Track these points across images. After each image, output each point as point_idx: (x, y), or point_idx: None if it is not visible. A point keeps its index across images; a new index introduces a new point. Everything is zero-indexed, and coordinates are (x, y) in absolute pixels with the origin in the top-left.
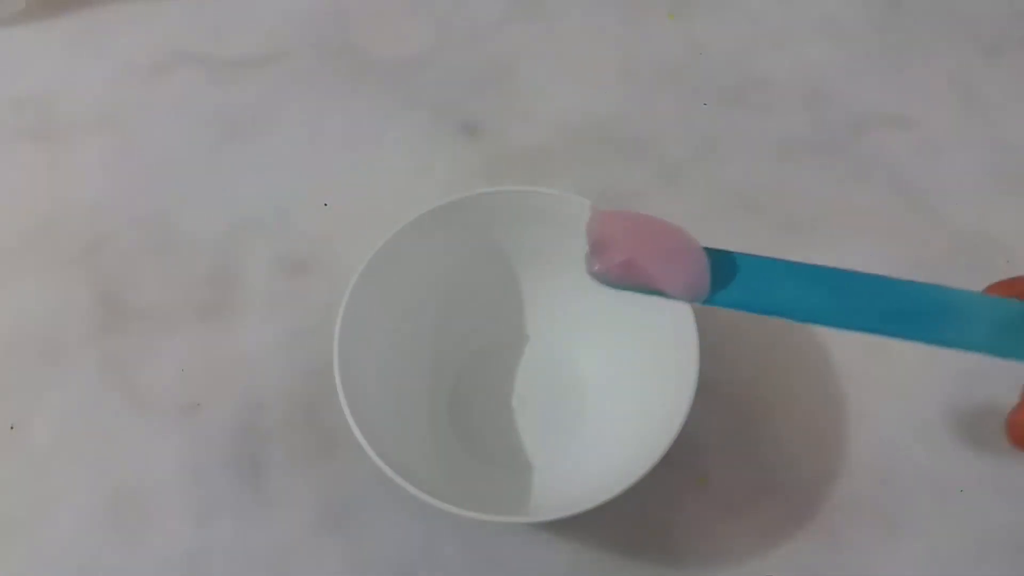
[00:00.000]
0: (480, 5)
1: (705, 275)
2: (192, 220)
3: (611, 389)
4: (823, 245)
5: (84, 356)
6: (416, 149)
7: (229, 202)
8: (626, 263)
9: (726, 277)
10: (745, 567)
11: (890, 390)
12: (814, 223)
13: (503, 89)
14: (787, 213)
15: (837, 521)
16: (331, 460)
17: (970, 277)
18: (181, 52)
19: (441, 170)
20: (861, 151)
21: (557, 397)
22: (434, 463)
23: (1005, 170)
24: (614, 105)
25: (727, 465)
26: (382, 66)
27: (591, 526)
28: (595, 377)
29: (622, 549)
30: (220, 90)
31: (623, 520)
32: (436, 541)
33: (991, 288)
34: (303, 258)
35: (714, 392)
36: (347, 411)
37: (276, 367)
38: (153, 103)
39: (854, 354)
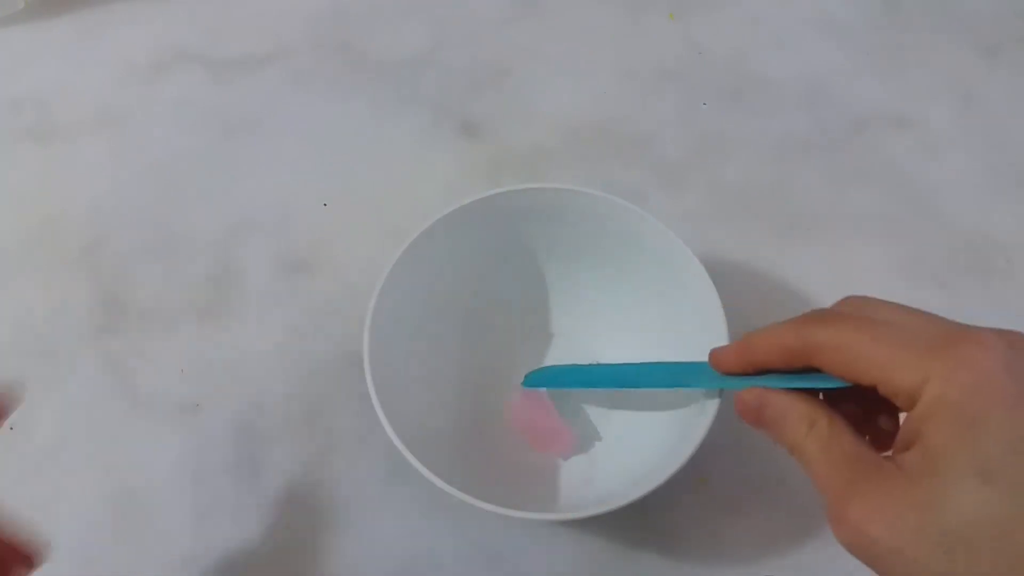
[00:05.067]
0: (480, 5)
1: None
2: (192, 220)
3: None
4: (823, 245)
5: (84, 356)
6: (416, 149)
7: (229, 202)
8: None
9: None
10: (745, 567)
11: None
12: (814, 223)
13: (503, 89)
14: (787, 213)
15: None
16: (331, 460)
17: (970, 277)
18: (181, 52)
19: (441, 170)
20: (861, 151)
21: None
22: (461, 460)
23: (1005, 170)
24: (614, 105)
25: (727, 465)
26: (382, 66)
27: (592, 525)
28: None
29: (623, 548)
30: (220, 90)
31: (623, 520)
32: (436, 540)
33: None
34: (303, 258)
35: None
36: (380, 412)
37: (276, 367)
38: (153, 103)
39: None
